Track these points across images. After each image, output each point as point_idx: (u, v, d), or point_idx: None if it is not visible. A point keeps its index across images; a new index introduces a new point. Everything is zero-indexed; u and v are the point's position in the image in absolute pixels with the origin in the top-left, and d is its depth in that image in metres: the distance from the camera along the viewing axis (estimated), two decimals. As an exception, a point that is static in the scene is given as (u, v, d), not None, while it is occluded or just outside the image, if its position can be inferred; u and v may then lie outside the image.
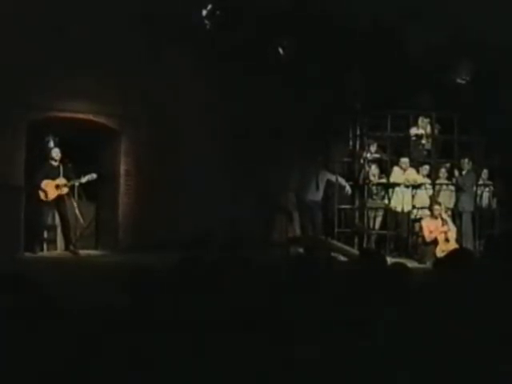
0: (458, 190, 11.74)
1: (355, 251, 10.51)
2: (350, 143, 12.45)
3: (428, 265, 9.61)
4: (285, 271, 6.05)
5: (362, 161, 11.97)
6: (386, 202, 11.75)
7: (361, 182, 11.85)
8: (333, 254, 9.32)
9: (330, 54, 10.80)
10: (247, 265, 5.74)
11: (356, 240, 11.66)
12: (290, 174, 12.02)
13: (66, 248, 10.53)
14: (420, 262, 10.56)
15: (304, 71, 11.15)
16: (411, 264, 8.75)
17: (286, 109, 11.48)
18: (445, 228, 10.84)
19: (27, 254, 10.07)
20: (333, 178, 11.56)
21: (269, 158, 11.60)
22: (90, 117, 10.84)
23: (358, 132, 12.23)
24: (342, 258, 9.45)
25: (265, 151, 11.59)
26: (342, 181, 11.60)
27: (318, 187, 11.43)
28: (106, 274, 7.66)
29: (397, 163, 11.74)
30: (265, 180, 11.67)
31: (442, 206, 11.09)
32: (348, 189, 11.56)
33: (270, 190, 11.87)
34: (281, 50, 11.08)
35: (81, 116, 10.75)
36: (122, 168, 11.19)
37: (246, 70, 11.04)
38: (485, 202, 11.88)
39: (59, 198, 10.39)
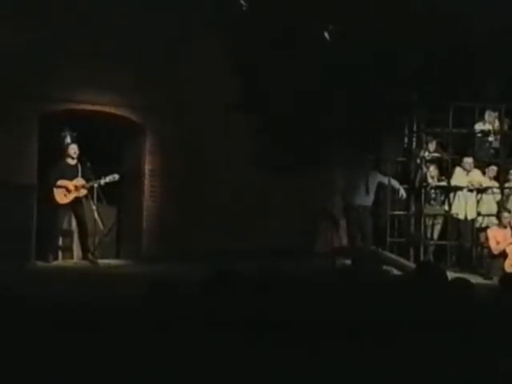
0: (531, 194, 11.58)
1: (411, 264, 10.42)
2: (405, 140, 12.35)
3: (495, 281, 9.49)
4: (329, 286, 6.07)
5: (418, 161, 11.89)
6: (447, 207, 11.65)
7: (417, 184, 11.77)
8: (385, 268, 9.30)
9: (381, 38, 10.78)
10: (287, 279, 5.77)
11: (411, 251, 11.55)
12: (335, 175, 12.05)
13: (84, 257, 10.65)
14: (485, 277, 10.49)
15: (352, 58, 11.11)
16: (475, 280, 8.68)
17: (329, 102, 11.53)
18: (514, 239, 10.74)
19: (39, 263, 10.21)
20: (385, 180, 11.50)
21: (310, 157, 11.59)
22: (111, 109, 11.03)
23: (415, 127, 12.15)
24: (396, 272, 9.37)
25: (305, 150, 11.57)
26: (395, 183, 11.53)
27: (367, 190, 11.36)
28: (128, 286, 7.69)
29: (459, 163, 11.61)
30: (306, 183, 11.71)
31: (512, 214, 10.98)
32: (402, 192, 11.48)
33: (312, 194, 11.88)
34: (326, 35, 11.00)
35: (101, 108, 10.94)
36: (147, 167, 11.36)
37: (285, 59, 11.08)
38: None
39: (76, 200, 10.50)
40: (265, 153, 11.46)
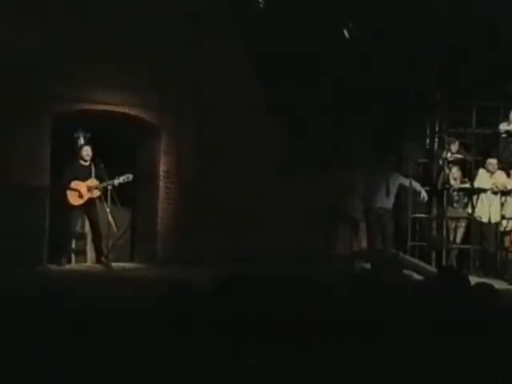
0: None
1: (432, 269, 10.36)
2: (427, 141, 12.28)
3: (520, 286, 9.44)
4: (348, 290, 6.07)
5: (440, 162, 11.79)
6: (470, 210, 11.54)
7: (439, 186, 11.68)
8: (405, 272, 9.25)
9: (402, 35, 10.73)
10: (300, 283, 5.77)
11: (433, 255, 11.48)
12: (355, 177, 12.02)
13: (97, 260, 10.68)
14: (510, 282, 10.38)
15: (373, 56, 11.06)
16: (499, 285, 8.61)
17: (350, 100, 11.45)
18: (541, 243, 10.66)
19: (52, 267, 10.26)
20: (406, 181, 11.44)
21: (330, 158, 11.64)
22: (125, 109, 11.07)
23: (437, 128, 12.08)
24: (417, 277, 9.32)
25: (325, 150, 11.60)
26: (416, 185, 11.47)
27: (388, 192, 11.33)
28: (142, 290, 7.69)
29: (483, 165, 11.51)
30: (325, 184, 11.71)
31: (538, 217, 10.91)
32: (424, 195, 11.42)
33: (331, 196, 11.88)
34: (346, 33, 10.99)
35: (114, 108, 10.98)
36: (162, 168, 11.37)
37: (304, 56, 11.06)
38: None
39: (90, 202, 10.55)
40: (283, 154, 11.49)
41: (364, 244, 11.84)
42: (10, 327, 4.95)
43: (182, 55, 10.98)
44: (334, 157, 11.77)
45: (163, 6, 10.71)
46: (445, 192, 11.53)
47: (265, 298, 5.50)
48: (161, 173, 11.31)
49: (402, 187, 11.47)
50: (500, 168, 11.49)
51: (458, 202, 11.64)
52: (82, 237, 11.00)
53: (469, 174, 11.61)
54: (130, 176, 10.58)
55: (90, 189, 10.48)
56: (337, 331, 4.97)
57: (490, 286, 6.25)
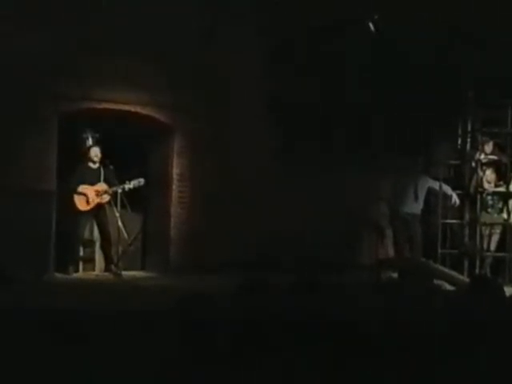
0: None
1: (464, 278, 10.29)
2: (459, 141, 12.20)
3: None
4: (374, 302, 6.05)
5: (473, 164, 11.73)
6: (505, 216, 11.46)
7: (472, 190, 11.61)
8: (435, 282, 9.19)
9: (432, 28, 10.70)
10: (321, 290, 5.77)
11: (465, 264, 11.41)
12: (380, 179, 11.99)
13: (107, 268, 10.69)
14: (548, 293, 10.25)
15: (399, 50, 11.04)
16: (537, 296, 8.48)
17: (373, 96, 11.48)
18: None
19: (58, 276, 10.26)
20: (436, 185, 11.40)
21: (352, 159, 11.61)
22: (137, 108, 11.04)
23: (469, 127, 12.00)
24: (448, 287, 9.26)
25: (347, 151, 11.60)
26: (447, 189, 11.42)
27: (416, 197, 11.32)
28: (155, 300, 7.72)
29: (519, 167, 11.44)
30: (349, 189, 11.70)
31: None
32: (455, 199, 11.38)
33: (355, 201, 11.85)
34: (371, 26, 10.96)
35: (125, 107, 10.96)
36: (175, 171, 11.35)
37: (324, 52, 11.08)
38: None
39: (99, 207, 10.55)
40: (303, 156, 11.46)
41: (391, 252, 11.84)
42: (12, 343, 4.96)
43: (197, 53, 10.97)
44: (358, 159, 11.74)
45: (178, 2, 10.74)
46: (478, 196, 11.47)
47: (286, 310, 5.50)
48: (174, 176, 11.29)
49: (431, 191, 11.46)
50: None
51: (492, 206, 11.58)
52: (90, 244, 11.00)
53: (504, 176, 11.55)
54: (142, 180, 10.57)
55: (98, 193, 10.48)
56: (367, 346, 5.00)
57: (527, 297, 6.20)
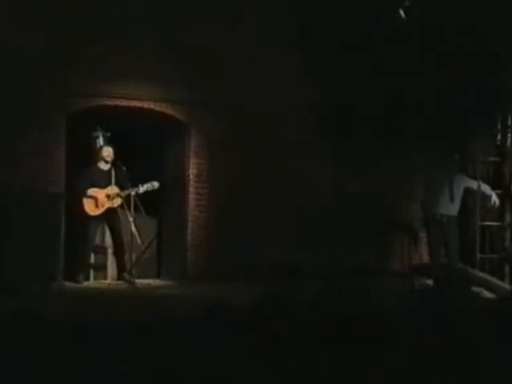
0: None
1: (505, 285, 10.20)
2: (498, 137, 12.13)
3: None
4: (406, 310, 6.03)
5: (514, 161, 11.68)
6: (550, 217, 11.42)
7: (513, 189, 11.55)
8: (474, 289, 9.13)
9: (468, 14, 10.68)
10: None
11: (507, 270, 11.34)
12: (413, 178, 11.97)
13: (119, 276, 10.69)
14: None
15: (433, 39, 11.01)
16: None
17: (406, 88, 11.50)
18: None
19: (68, 284, 10.24)
20: (473, 184, 11.33)
21: (383, 157, 11.62)
22: (151, 105, 11.04)
23: (510, 121, 11.96)
24: (487, 295, 9.17)
25: (377, 149, 11.63)
26: (486, 188, 11.35)
27: (452, 197, 11.19)
28: (171, 310, 7.74)
29: None
30: (378, 189, 11.73)
31: None
32: (495, 199, 11.29)
33: (386, 203, 11.90)
34: (402, 13, 10.92)
35: (139, 104, 10.96)
36: (192, 172, 11.33)
37: (355, 42, 11.12)
38: None
39: (110, 211, 10.55)
40: (333, 154, 11.45)
41: (425, 257, 11.80)
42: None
43: (215, 44, 11.00)
44: (389, 156, 11.77)
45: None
46: (519, 196, 11.43)
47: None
48: (190, 176, 11.26)
49: (468, 191, 11.35)
50: None
51: (535, 207, 11.52)
52: (101, 250, 11.02)
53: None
54: (156, 184, 10.55)
55: (110, 197, 10.47)
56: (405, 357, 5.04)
57: None
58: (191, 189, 11.27)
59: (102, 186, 10.49)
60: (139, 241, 10.46)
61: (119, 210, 10.56)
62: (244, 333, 5.43)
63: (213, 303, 5.99)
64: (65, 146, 10.47)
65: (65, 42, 10.23)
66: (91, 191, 10.44)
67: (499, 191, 11.44)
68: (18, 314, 5.93)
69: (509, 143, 11.93)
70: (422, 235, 11.81)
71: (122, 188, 10.48)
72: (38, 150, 10.30)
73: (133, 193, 10.39)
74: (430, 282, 10.11)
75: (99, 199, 10.46)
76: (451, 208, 11.19)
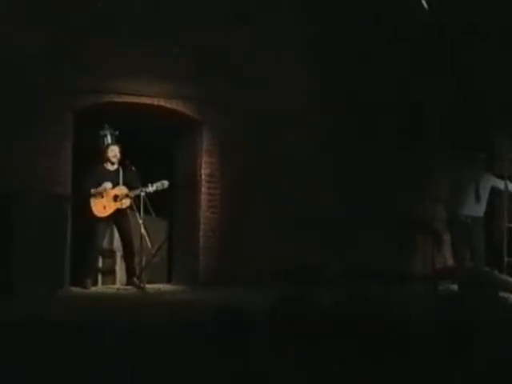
0: None
1: (534, 290, 10.13)
2: (527, 134, 12.14)
3: None
4: (431, 315, 5.99)
5: (543, 159, 11.63)
6: None
7: (542, 189, 11.48)
8: (501, 294, 9.06)
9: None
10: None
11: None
12: (436, 178, 11.99)
13: (129, 281, 10.70)
14: None
15: (457, 30, 11.05)
16: None
17: (426, 83, 11.54)
18: None
19: (74, 290, 10.23)
20: (500, 184, 11.32)
21: (405, 156, 11.65)
22: (161, 102, 11.02)
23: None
24: (515, 300, 9.13)
25: (400, 148, 11.69)
26: (513, 188, 11.27)
27: (478, 197, 11.19)
28: (183, 316, 7.71)
29: None
30: (400, 188, 11.77)
31: None
32: (524, 199, 11.22)
33: (408, 204, 11.92)
34: (424, 3, 10.88)
35: (148, 101, 10.93)
36: (204, 172, 11.30)
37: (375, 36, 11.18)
38: None
39: (119, 212, 10.53)
40: (351, 152, 11.41)
41: (449, 261, 11.74)
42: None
43: (228, 38, 11.00)
44: (412, 156, 11.77)
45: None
46: (549, 196, 11.45)
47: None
48: (203, 176, 11.25)
49: (495, 191, 11.35)
50: None
51: None
52: (110, 254, 11.04)
53: None
54: (166, 183, 10.52)
55: (118, 198, 10.44)
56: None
57: None
58: (203, 189, 11.25)
59: (110, 187, 10.46)
60: (149, 244, 10.44)
61: (128, 211, 10.54)
62: (263, 339, 5.43)
63: (227, 309, 5.96)
64: (71, 145, 10.45)
65: (67, 39, 10.21)
66: (98, 191, 10.40)
67: (527, 191, 11.45)
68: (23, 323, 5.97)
69: (537, 141, 11.96)
70: (447, 237, 11.78)
71: (130, 188, 10.46)
72: (44, 150, 10.28)
73: (142, 193, 10.36)
74: (454, 286, 10.05)
75: (107, 200, 10.43)
76: (477, 209, 11.19)
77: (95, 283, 10.79)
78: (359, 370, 5.00)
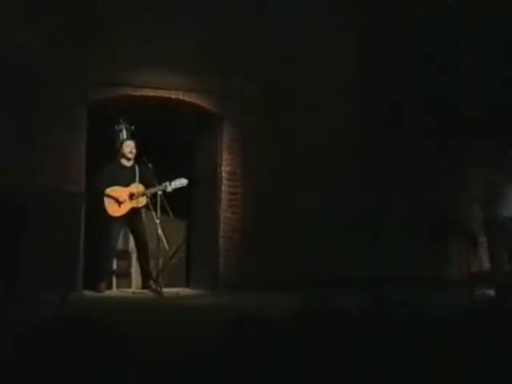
0: None
1: None
2: None
3: None
4: (469, 324, 5.91)
5: None
6: None
7: None
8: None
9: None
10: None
11: None
12: (470, 178, 12.02)
13: (144, 285, 10.69)
14: None
15: (482, 21, 11.12)
16: None
17: (453, 77, 11.59)
18: None
19: (88, 294, 10.20)
20: (540, 183, 11.25)
21: (439, 156, 11.68)
22: (179, 95, 10.99)
23: None
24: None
25: (432, 149, 11.69)
26: (554, 187, 11.23)
27: (516, 198, 11.16)
28: (203, 322, 7.63)
29: None
30: (434, 189, 11.86)
31: None
32: None
33: (442, 204, 11.96)
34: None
35: (166, 94, 10.92)
36: (224, 169, 11.28)
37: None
38: None
39: (134, 212, 10.52)
40: (381, 152, 11.34)
41: (486, 264, 11.82)
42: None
43: (254, 27, 11.01)
44: (446, 154, 11.79)
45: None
46: None
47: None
48: (223, 174, 11.22)
49: (535, 190, 11.29)
50: None
51: None
52: (125, 255, 11.09)
53: None
54: (185, 181, 10.52)
55: (133, 196, 10.41)
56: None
57: None
58: (224, 187, 11.24)
59: (125, 184, 10.46)
60: (166, 245, 10.39)
61: (144, 211, 10.53)
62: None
63: (250, 316, 5.90)
64: (85, 141, 10.41)
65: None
66: (114, 190, 10.40)
67: None
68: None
69: None
70: (483, 240, 11.81)
71: (147, 186, 10.44)
72: (56, 146, 10.24)
73: (159, 192, 10.31)
74: (491, 291, 9.97)
75: (121, 199, 10.41)
76: (515, 209, 11.19)
77: (109, 286, 10.80)
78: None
